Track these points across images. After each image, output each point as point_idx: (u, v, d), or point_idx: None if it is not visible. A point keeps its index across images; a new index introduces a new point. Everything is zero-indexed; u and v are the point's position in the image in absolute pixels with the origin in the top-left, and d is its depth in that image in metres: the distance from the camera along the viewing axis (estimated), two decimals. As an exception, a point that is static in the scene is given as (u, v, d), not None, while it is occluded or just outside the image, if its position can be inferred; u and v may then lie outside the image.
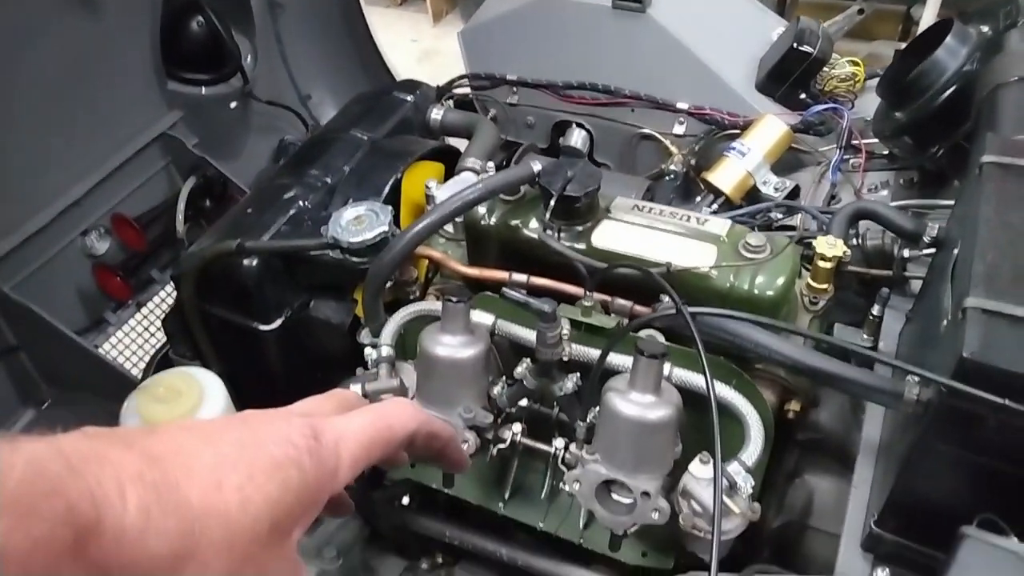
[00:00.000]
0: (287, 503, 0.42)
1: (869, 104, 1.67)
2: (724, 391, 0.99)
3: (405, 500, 1.33)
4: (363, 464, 0.48)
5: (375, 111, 1.54)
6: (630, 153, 1.85)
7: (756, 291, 1.05)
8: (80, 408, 1.76)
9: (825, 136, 1.69)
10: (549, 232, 1.11)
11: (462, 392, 1.01)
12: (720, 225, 1.13)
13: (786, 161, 1.67)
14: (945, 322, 0.90)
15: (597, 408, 0.97)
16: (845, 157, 1.60)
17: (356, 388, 1.04)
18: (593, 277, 1.05)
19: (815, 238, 1.17)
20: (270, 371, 1.38)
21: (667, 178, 1.75)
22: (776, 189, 1.60)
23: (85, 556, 0.34)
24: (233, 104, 2.17)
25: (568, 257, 1.06)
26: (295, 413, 0.49)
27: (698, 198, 1.66)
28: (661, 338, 1.08)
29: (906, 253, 1.31)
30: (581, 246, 1.13)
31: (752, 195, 1.62)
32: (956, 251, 0.99)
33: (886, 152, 1.59)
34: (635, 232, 1.13)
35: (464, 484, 1.19)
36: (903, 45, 3.46)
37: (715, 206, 1.60)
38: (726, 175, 1.60)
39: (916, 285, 1.32)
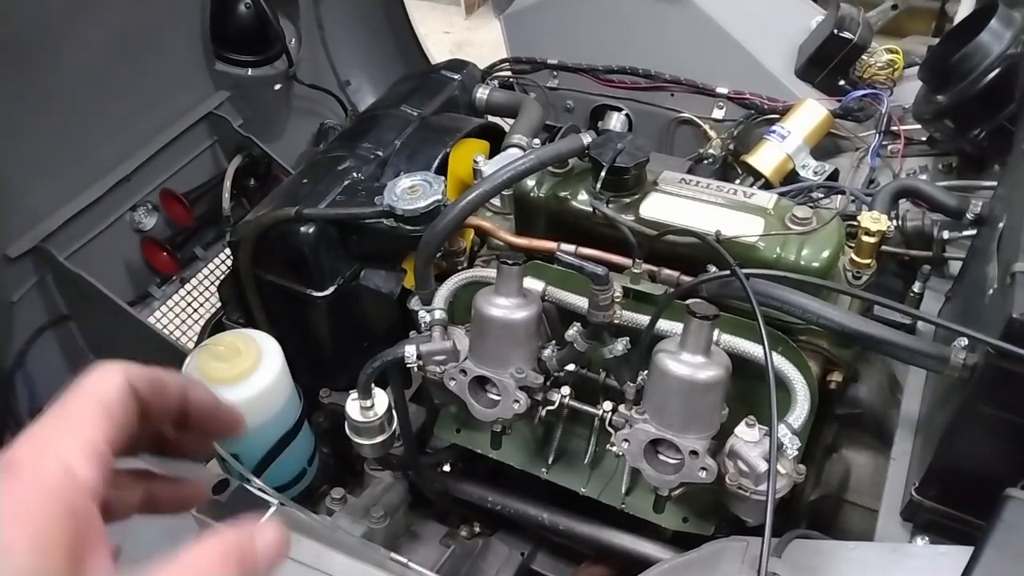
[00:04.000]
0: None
1: (907, 92, 1.69)
2: (772, 356, 1.02)
3: (447, 467, 1.37)
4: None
5: (423, 89, 1.58)
6: (669, 137, 1.88)
7: (803, 262, 1.08)
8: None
9: (863, 122, 1.71)
10: (599, 203, 1.14)
11: (514, 353, 1.04)
12: (767, 198, 1.16)
13: (824, 147, 1.69)
14: (991, 291, 0.92)
15: (645, 372, 1.00)
16: (884, 143, 1.62)
17: (411, 350, 1.08)
18: (642, 246, 1.08)
19: (859, 215, 1.20)
20: (319, 337, 1.43)
21: (706, 162, 1.78)
22: (815, 173, 1.62)
23: None
24: (277, 86, 2.22)
25: (618, 224, 1.09)
26: None
27: (737, 181, 1.68)
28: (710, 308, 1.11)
29: (946, 235, 1.33)
30: (630, 217, 1.16)
31: (791, 178, 1.64)
32: (1001, 225, 1.01)
33: (924, 138, 1.60)
34: (682, 204, 1.16)
35: (508, 449, 1.22)
36: (936, 42, 3.48)
37: (754, 189, 1.62)
38: (766, 158, 1.62)
39: (955, 267, 1.34)
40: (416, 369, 1.10)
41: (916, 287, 1.22)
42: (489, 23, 4.44)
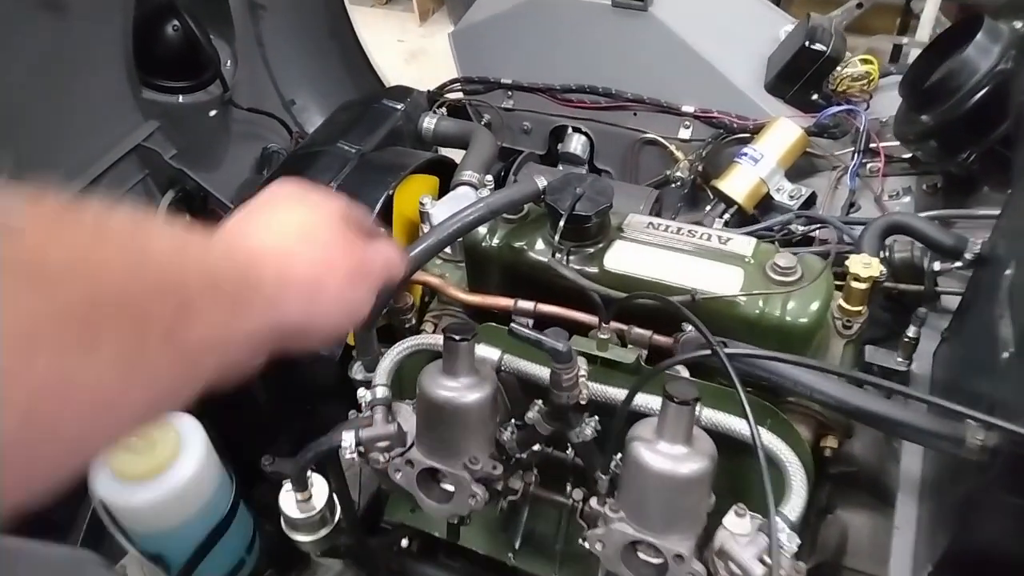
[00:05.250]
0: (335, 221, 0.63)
1: (884, 104, 1.58)
2: (761, 435, 0.90)
3: (404, 543, 1.23)
4: None
5: (363, 121, 1.44)
6: (633, 159, 1.75)
7: (788, 318, 0.96)
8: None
9: (840, 139, 1.60)
10: (558, 256, 1.01)
11: (468, 441, 0.90)
12: (744, 244, 1.03)
13: (799, 166, 1.58)
14: (1006, 355, 0.80)
15: (619, 455, 0.88)
16: (863, 161, 1.51)
17: (349, 437, 0.94)
18: (609, 308, 0.95)
19: (846, 257, 1.08)
20: (253, 407, 1.28)
21: (673, 185, 1.66)
22: (791, 197, 1.50)
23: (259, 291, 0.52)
24: (212, 112, 2.05)
25: (581, 286, 0.96)
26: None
27: (707, 207, 1.56)
28: (685, 372, 0.99)
29: (937, 266, 1.22)
30: (593, 270, 1.03)
31: (765, 203, 1.53)
32: (1010, 271, 0.90)
33: (907, 156, 1.49)
34: (651, 253, 1.03)
35: (470, 532, 1.09)
36: (904, 39, 3.40)
37: (727, 216, 1.51)
38: (738, 183, 1.50)
39: (948, 300, 1.23)
40: (356, 458, 0.96)
41: (911, 332, 1.10)
42: (445, 29, 4.28)
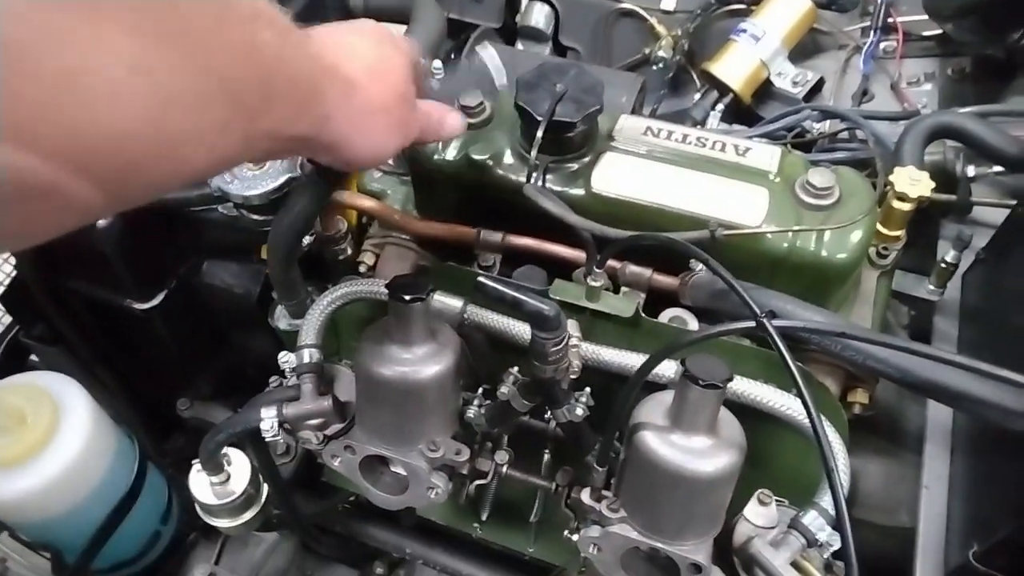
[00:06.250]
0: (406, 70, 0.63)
1: (899, -30, 1.34)
2: (785, 401, 0.72)
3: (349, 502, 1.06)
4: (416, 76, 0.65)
5: (275, -12, 1.13)
6: (606, 35, 1.48)
7: (824, 252, 0.76)
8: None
9: (848, 11, 1.36)
10: (535, 179, 0.78)
11: (424, 422, 0.70)
12: (767, 156, 0.82)
13: (800, 45, 1.34)
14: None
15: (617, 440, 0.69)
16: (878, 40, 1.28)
17: (270, 415, 0.73)
18: (606, 250, 0.73)
19: (876, 164, 0.89)
20: (160, 349, 1.05)
21: (654, 67, 1.41)
22: (795, 83, 1.28)
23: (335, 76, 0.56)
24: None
25: (570, 223, 0.74)
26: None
27: (696, 95, 1.33)
28: (692, 320, 0.79)
29: (971, 171, 1.03)
30: (577, 191, 0.81)
31: (763, 91, 1.30)
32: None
33: (929, 33, 1.27)
34: (651, 169, 0.81)
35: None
36: None
37: (720, 106, 1.28)
38: (735, 66, 1.26)
39: (983, 213, 1.06)
40: (280, 440, 0.75)
41: (950, 256, 0.93)
42: None
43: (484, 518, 0.91)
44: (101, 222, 0.86)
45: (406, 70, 0.63)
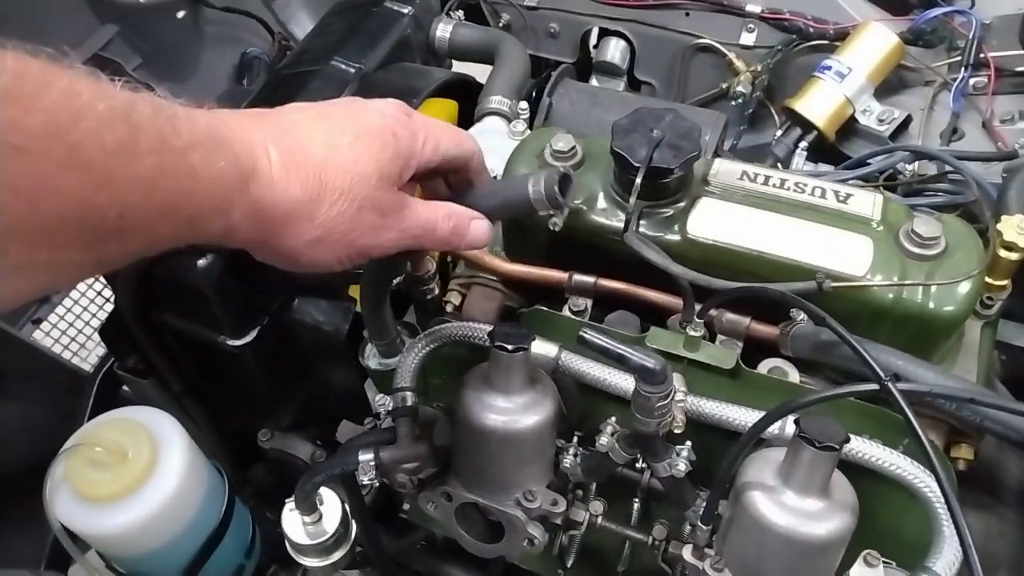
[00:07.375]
0: (387, 157, 0.56)
1: (989, 3, 1.31)
2: (893, 460, 0.70)
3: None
4: (439, 153, 0.61)
5: (363, 30, 1.16)
6: (682, 70, 1.48)
7: (932, 304, 0.74)
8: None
9: (935, 48, 1.33)
10: (632, 228, 0.78)
11: (522, 472, 0.70)
12: (868, 202, 0.80)
13: (886, 81, 1.32)
14: None
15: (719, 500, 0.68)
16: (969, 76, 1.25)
17: (367, 459, 0.73)
18: (709, 300, 0.72)
19: (981, 211, 0.86)
20: (248, 383, 1.07)
21: (732, 103, 1.40)
22: (881, 121, 1.25)
23: (247, 193, 0.50)
24: (181, 13, 1.75)
25: (673, 272, 0.73)
26: (389, 102, 0.61)
27: (777, 132, 1.31)
28: (793, 371, 0.78)
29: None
30: (673, 237, 0.80)
31: (848, 129, 1.28)
32: None
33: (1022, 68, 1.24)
34: (749, 214, 0.80)
35: (512, 546, 0.91)
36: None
37: (804, 143, 1.26)
38: (819, 103, 1.25)
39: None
40: (375, 484, 0.76)
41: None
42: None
43: (569, 564, 0.90)
44: (201, 260, 0.89)
45: (390, 168, 0.56)
